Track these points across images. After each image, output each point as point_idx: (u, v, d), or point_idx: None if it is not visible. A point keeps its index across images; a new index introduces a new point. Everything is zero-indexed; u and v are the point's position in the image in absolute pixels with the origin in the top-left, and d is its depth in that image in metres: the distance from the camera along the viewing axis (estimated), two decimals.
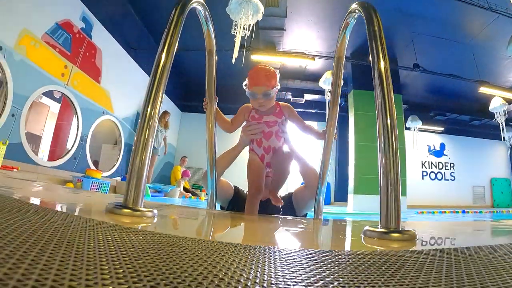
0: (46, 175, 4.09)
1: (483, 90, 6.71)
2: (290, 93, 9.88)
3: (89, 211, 0.91)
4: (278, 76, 1.60)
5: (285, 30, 6.52)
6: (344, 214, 4.95)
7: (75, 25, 4.97)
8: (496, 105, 6.41)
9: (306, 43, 7.42)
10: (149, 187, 5.71)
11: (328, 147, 1.67)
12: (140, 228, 0.61)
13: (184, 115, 11.08)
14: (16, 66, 4.00)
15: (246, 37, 4.53)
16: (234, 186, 1.84)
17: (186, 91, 10.58)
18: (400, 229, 0.74)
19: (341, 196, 9.58)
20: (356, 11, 1.19)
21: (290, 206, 1.76)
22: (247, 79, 1.57)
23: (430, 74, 7.13)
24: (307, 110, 10.48)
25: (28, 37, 4.12)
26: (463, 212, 7.06)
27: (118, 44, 6.30)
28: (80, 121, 5.39)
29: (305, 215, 1.81)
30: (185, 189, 7.81)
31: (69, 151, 5.30)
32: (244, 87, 1.57)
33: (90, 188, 3.81)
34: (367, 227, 0.78)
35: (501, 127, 6.45)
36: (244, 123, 1.72)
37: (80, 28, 5.09)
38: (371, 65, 0.97)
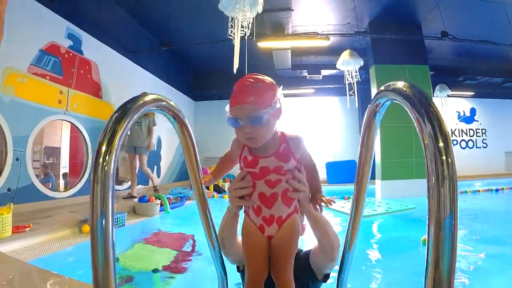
0: (62, 214, 3.94)
1: None
2: (305, 70, 9.18)
3: None
4: (278, 91, 1.00)
5: (292, 9, 5.80)
6: (375, 216, 4.56)
7: (61, 45, 4.54)
8: None
9: (317, 18, 6.65)
10: (168, 197, 5.52)
11: (357, 214, 1.08)
12: None
13: (198, 104, 10.84)
14: (7, 109, 3.72)
15: (246, 35, 3.90)
16: None
17: (197, 80, 10.34)
18: None
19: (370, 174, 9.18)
20: (395, 96, 0.77)
21: (309, 269, 1.40)
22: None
23: (461, 42, 6.25)
24: (325, 86, 9.85)
25: (13, 75, 3.78)
26: (496, 190, 6.62)
27: (114, 51, 5.86)
28: (88, 143, 5.17)
29: (328, 275, 1.45)
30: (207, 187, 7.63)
31: (83, 175, 5.15)
32: (227, 112, 0.97)
33: None
34: None
35: None
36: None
37: (67, 47, 4.66)
38: None
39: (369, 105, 0.97)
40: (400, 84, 0.74)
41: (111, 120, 0.77)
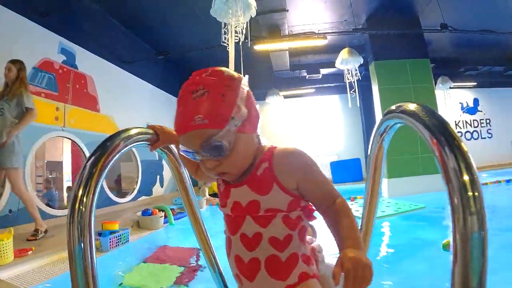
0: (64, 232, 3.87)
1: None
2: (304, 70, 9.08)
3: None
4: (242, 86, 0.66)
5: (287, 10, 5.71)
6: (385, 218, 4.41)
7: (55, 61, 4.47)
8: None
9: (313, 17, 6.55)
10: (171, 208, 5.42)
11: None
12: None
13: None
14: None
15: (240, 41, 3.78)
16: None
17: None
18: None
19: None
20: (408, 121, 0.69)
21: None
22: None
23: (461, 33, 6.12)
24: (325, 85, 9.75)
25: None
26: (507, 181, 6.47)
27: (110, 63, 5.79)
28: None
29: None
30: (214, 194, 7.50)
31: None
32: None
33: (110, 246, 3.54)
34: None
35: None
36: None
37: (61, 62, 4.60)
38: None
39: (375, 128, 0.88)
40: (412, 107, 0.66)
41: (87, 162, 0.73)
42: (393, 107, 0.74)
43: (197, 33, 6.72)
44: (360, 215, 1.10)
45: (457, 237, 0.51)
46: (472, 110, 10.83)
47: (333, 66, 7.12)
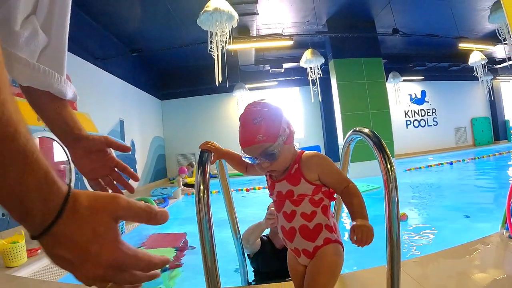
0: None
1: (463, 46, 6.72)
2: (268, 64, 9.64)
3: None
4: (284, 114, 1.00)
5: (257, 14, 6.14)
6: None
7: None
8: (476, 59, 6.48)
9: (280, 18, 7.04)
10: (153, 199, 5.76)
11: None
12: None
13: (164, 103, 10.95)
14: None
15: (224, 49, 4.18)
16: (261, 238, 1.89)
17: (162, 80, 10.49)
18: None
19: (333, 157, 9.89)
20: (365, 138, 1.22)
21: None
22: None
23: (410, 36, 6.96)
24: (287, 78, 10.45)
25: None
26: (450, 164, 7.48)
27: (84, 60, 5.86)
28: (69, 156, 5.24)
29: None
30: (188, 184, 7.82)
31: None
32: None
33: None
34: None
35: (480, 80, 6.66)
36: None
37: None
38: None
39: (345, 138, 1.41)
40: (367, 131, 1.19)
41: (198, 173, 1.07)
42: (357, 129, 1.27)
43: (167, 31, 6.96)
44: None
45: (387, 197, 1.04)
46: (420, 101, 12.09)
47: (295, 61, 7.69)
